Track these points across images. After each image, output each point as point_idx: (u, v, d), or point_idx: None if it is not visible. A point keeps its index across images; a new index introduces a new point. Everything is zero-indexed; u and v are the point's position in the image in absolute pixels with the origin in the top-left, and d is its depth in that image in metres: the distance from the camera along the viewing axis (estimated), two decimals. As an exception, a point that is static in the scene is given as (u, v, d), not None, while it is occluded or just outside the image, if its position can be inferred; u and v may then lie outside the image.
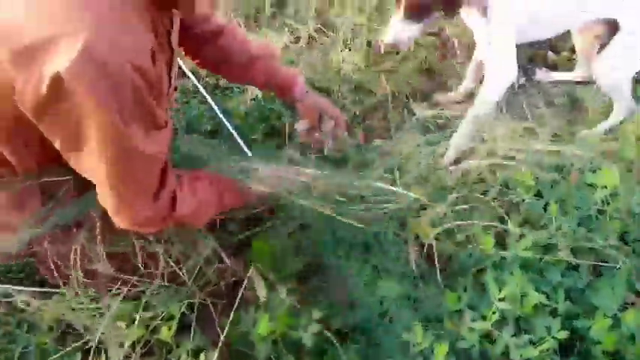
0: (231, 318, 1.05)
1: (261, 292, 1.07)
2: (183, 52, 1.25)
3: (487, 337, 1.04)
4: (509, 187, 1.27)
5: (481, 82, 1.51)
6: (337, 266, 1.19)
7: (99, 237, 1.02)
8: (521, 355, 1.00)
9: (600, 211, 1.21)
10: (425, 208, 1.19)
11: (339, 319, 1.14)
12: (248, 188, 1.04)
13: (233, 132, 1.42)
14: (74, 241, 1.04)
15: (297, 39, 2.00)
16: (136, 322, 1.06)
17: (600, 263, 1.13)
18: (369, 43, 1.92)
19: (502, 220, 1.20)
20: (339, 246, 1.21)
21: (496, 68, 1.44)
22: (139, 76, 0.72)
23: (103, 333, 1.05)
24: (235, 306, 1.05)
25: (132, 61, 0.70)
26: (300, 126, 1.37)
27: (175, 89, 1.21)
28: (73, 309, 1.04)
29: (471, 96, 1.71)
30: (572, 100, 1.78)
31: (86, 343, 1.07)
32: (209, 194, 1.01)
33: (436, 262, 1.16)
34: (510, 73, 1.43)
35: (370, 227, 1.14)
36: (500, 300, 1.04)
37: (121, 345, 1.04)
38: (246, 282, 1.09)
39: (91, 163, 0.79)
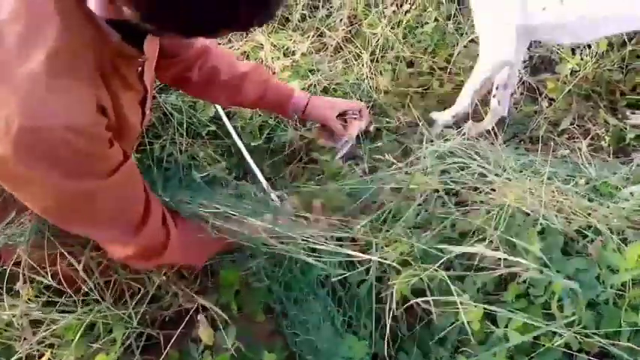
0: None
1: (205, 337, 0.97)
2: (168, 85, 1.19)
3: None
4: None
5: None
6: (303, 309, 1.08)
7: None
8: None
9: (620, 296, 1.04)
10: (408, 264, 1.06)
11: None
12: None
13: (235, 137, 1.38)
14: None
15: (324, 45, 1.88)
16: (74, 342, 0.99)
17: (602, 361, 0.97)
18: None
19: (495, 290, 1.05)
20: (309, 286, 1.10)
21: (487, 44, 1.47)
22: (74, 135, 0.71)
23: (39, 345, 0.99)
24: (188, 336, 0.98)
25: (64, 124, 0.70)
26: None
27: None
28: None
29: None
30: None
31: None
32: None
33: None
34: (502, 51, 1.45)
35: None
36: (471, 389, 0.90)
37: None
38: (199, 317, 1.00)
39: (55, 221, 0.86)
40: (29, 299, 1.02)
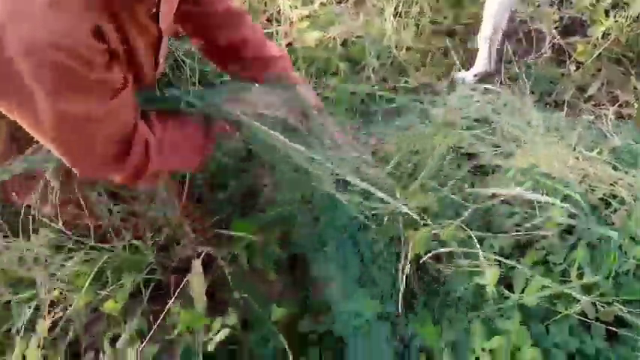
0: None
1: (194, 284, 0.95)
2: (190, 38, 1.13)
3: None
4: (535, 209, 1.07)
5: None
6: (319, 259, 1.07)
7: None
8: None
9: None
10: (427, 224, 1.03)
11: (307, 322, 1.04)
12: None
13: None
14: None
15: (345, -4, 1.80)
16: (84, 288, 0.98)
17: (619, 330, 0.95)
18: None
19: (513, 254, 1.02)
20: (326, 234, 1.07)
21: None
22: (65, 56, 0.70)
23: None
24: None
25: (56, 43, 0.69)
26: None
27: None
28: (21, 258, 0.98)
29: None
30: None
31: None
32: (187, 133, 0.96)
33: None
34: None
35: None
36: (484, 350, 0.88)
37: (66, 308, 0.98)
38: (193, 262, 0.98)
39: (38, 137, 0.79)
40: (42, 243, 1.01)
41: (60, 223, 0.96)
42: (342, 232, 1.07)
